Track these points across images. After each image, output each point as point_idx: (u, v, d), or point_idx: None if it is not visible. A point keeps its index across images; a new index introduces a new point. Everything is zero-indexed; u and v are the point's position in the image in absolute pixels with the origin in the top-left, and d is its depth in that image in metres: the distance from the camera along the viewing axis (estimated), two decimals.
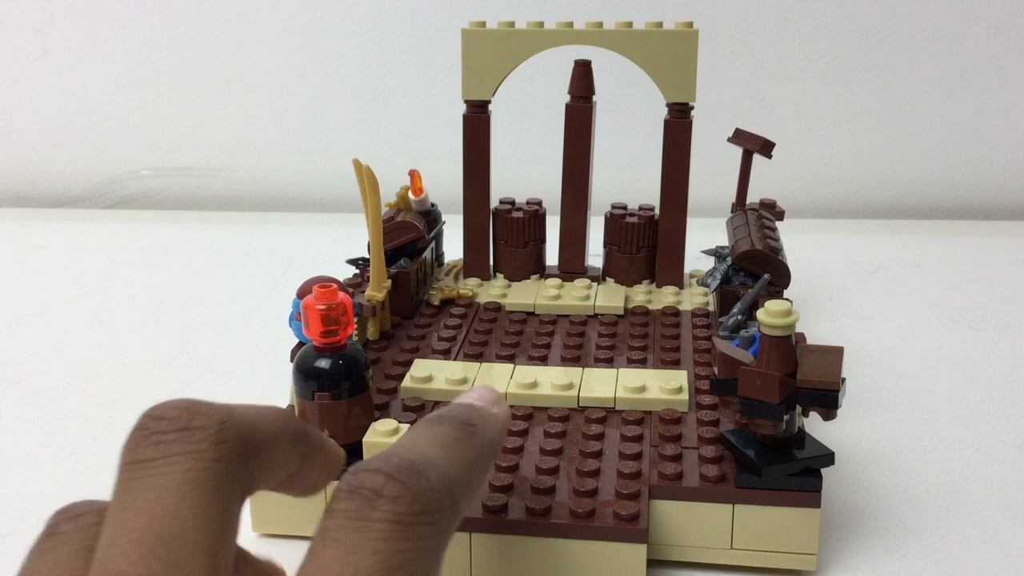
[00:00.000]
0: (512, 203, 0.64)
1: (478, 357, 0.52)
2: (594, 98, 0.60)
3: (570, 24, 0.58)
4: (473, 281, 0.62)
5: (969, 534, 0.44)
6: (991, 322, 0.69)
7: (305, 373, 0.41)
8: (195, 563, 0.25)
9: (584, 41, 0.58)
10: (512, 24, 0.59)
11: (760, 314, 0.38)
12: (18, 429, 0.52)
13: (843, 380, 0.39)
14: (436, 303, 0.59)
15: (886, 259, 0.81)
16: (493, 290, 0.61)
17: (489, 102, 0.61)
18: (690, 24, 0.58)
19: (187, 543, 0.25)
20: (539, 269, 0.63)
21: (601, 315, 0.57)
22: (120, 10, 0.93)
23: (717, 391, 0.41)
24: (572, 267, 0.63)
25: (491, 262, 0.64)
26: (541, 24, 0.59)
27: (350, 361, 0.42)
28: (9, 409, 0.55)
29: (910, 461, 0.50)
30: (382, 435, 0.41)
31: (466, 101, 0.61)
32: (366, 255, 0.57)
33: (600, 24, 0.58)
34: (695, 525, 0.40)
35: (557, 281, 0.61)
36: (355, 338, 0.50)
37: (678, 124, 0.59)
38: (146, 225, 0.91)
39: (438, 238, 0.64)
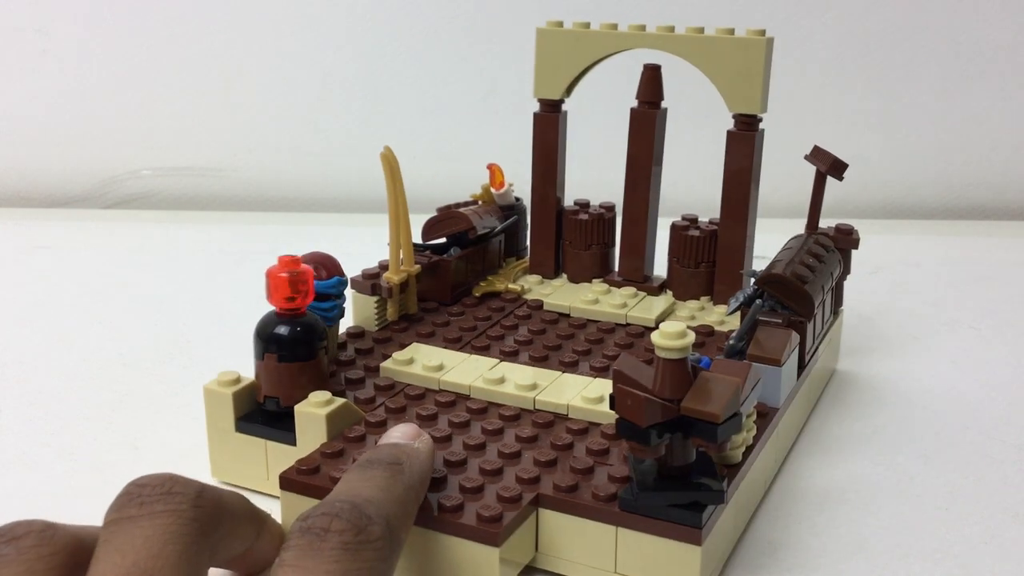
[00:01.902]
0: (585, 205, 0.63)
1: (485, 350, 0.52)
2: (663, 104, 0.59)
3: (642, 27, 0.57)
4: (534, 279, 0.63)
5: (969, 534, 0.44)
6: (991, 322, 0.69)
7: (263, 337, 0.45)
8: None
9: (653, 45, 0.57)
10: (587, 25, 0.59)
11: (654, 336, 0.36)
12: (18, 429, 0.52)
13: (735, 416, 0.36)
14: (477, 295, 0.60)
15: (886, 259, 0.81)
16: (545, 289, 0.61)
17: (561, 101, 0.61)
18: (762, 32, 0.55)
19: None
20: (603, 273, 0.63)
21: (630, 325, 0.56)
22: (120, 10, 0.93)
23: (612, 406, 0.38)
24: (632, 275, 0.61)
25: (558, 262, 0.64)
26: (614, 26, 0.58)
27: (307, 329, 0.45)
28: (9, 409, 0.55)
29: (910, 461, 0.50)
30: (314, 405, 0.43)
31: (538, 100, 0.61)
32: (423, 242, 0.60)
33: (671, 29, 0.56)
34: (583, 542, 0.39)
35: (604, 287, 0.60)
36: (376, 319, 0.55)
37: (741, 136, 0.56)
38: (146, 225, 0.91)
39: (513, 232, 0.64)
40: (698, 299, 0.60)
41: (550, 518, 0.39)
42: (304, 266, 0.45)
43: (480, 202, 0.63)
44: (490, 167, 0.62)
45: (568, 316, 0.58)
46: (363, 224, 0.90)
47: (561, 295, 0.60)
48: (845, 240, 0.57)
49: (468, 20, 0.93)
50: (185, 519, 0.32)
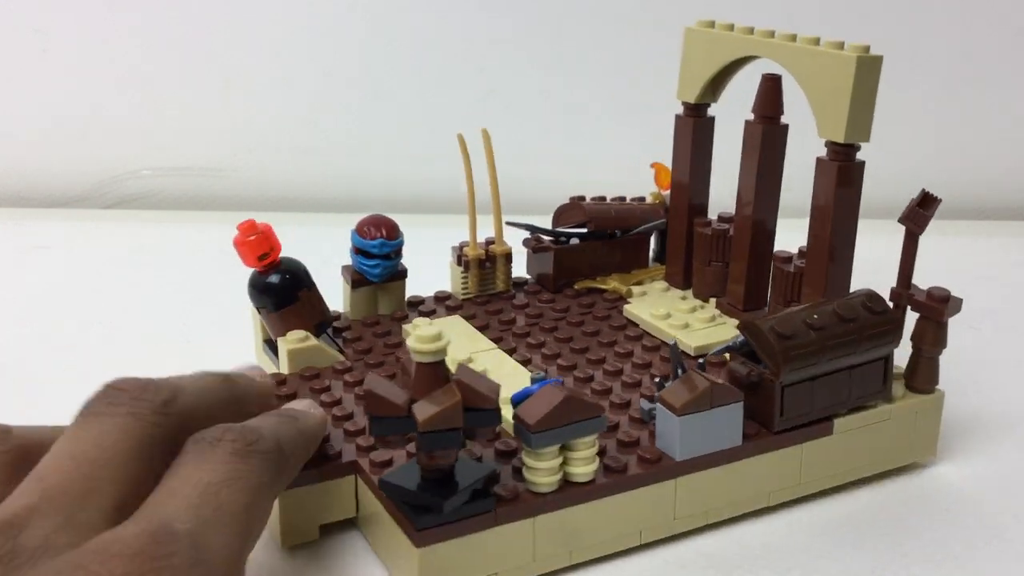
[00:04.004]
0: (728, 219, 0.59)
1: (498, 341, 0.53)
2: (783, 119, 0.54)
3: (770, 33, 0.52)
4: (659, 286, 0.61)
5: (969, 534, 0.44)
6: (991, 322, 0.69)
7: (251, 297, 0.52)
8: (109, 486, 0.32)
9: (759, 52, 0.52)
10: (731, 27, 0.54)
11: (409, 340, 0.37)
12: None
13: (453, 431, 0.37)
14: (577, 288, 0.60)
15: (886, 259, 0.80)
16: (647, 297, 0.59)
17: (702, 105, 0.57)
18: (866, 49, 0.47)
19: (109, 469, 0.32)
20: (724, 293, 0.58)
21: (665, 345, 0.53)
22: (120, 10, 0.93)
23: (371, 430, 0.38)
24: (734, 302, 0.57)
25: (689, 274, 0.60)
26: (750, 30, 0.53)
27: (282, 278, 0.51)
28: (9, 409, 0.55)
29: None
30: (292, 341, 0.46)
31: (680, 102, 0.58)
32: (532, 224, 0.60)
33: (793, 38, 0.51)
34: (371, 513, 0.42)
35: (695, 303, 0.57)
36: (461, 290, 0.59)
37: (825, 166, 0.50)
38: (146, 225, 0.91)
39: (645, 233, 0.62)
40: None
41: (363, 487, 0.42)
42: (261, 224, 0.51)
43: (654, 202, 0.62)
44: (655, 166, 0.60)
45: (630, 326, 0.55)
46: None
47: (646, 304, 0.57)
48: (929, 309, 0.48)
49: (468, 20, 0.93)
50: (146, 423, 0.34)
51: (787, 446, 0.45)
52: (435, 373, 0.37)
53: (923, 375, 0.49)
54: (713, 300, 0.58)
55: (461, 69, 0.95)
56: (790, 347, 0.43)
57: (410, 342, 0.37)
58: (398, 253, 0.56)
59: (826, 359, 0.44)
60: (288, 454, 0.37)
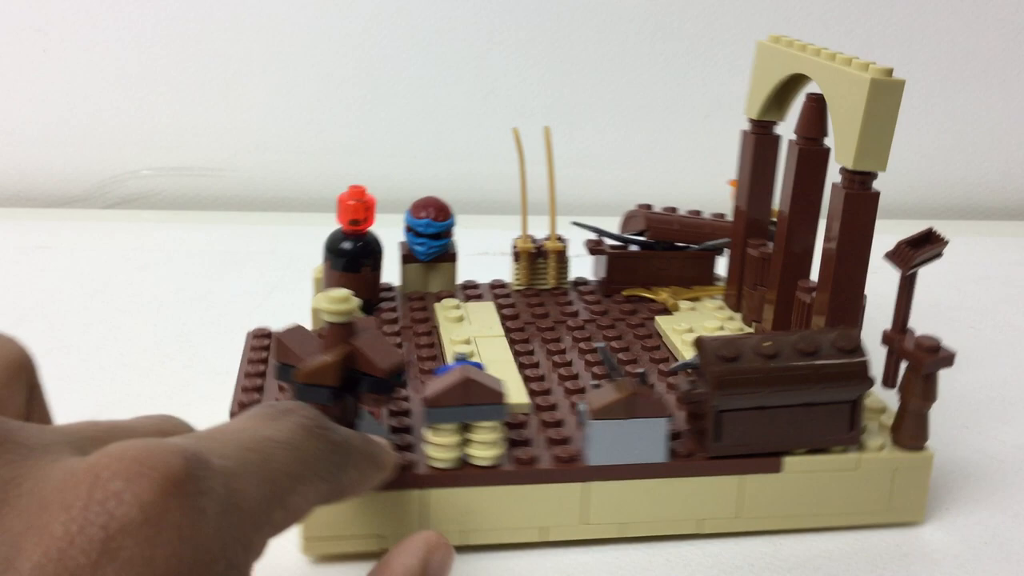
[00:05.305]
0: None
1: (518, 331, 0.54)
2: (826, 140, 0.50)
3: (817, 51, 0.49)
4: (713, 304, 0.58)
5: (969, 534, 0.44)
6: (991, 322, 0.69)
7: (326, 248, 0.56)
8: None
9: (811, 72, 0.49)
10: (791, 43, 0.51)
11: (321, 300, 0.39)
12: None
13: (313, 387, 0.39)
14: (625, 295, 0.59)
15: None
16: (690, 314, 0.57)
17: (766, 122, 0.55)
18: (888, 72, 0.43)
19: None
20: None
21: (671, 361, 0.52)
22: (120, 10, 0.93)
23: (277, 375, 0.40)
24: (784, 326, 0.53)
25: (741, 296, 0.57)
26: (803, 47, 0.50)
27: (357, 248, 0.55)
28: None
29: None
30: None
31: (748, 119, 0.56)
32: (598, 227, 0.61)
33: (833, 56, 0.47)
34: None
35: (737, 326, 0.54)
36: (515, 281, 0.61)
37: (836, 192, 0.46)
38: (146, 225, 0.91)
39: (709, 250, 0.60)
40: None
41: None
42: (368, 196, 0.54)
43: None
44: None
45: (655, 337, 0.54)
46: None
47: (681, 319, 0.56)
48: (913, 358, 0.44)
49: (468, 20, 0.93)
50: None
51: (720, 474, 0.42)
52: (341, 333, 0.40)
53: (908, 430, 0.44)
54: (755, 325, 0.55)
55: (461, 70, 0.95)
56: (727, 371, 0.41)
57: (321, 302, 0.39)
58: (446, 234, 0.58)
59: (774, 391, 0.41)
60: (354, 462, 0.33)
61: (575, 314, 0.57)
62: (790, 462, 0.43)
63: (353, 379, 0.40)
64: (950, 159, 0.96)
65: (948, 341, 0.66)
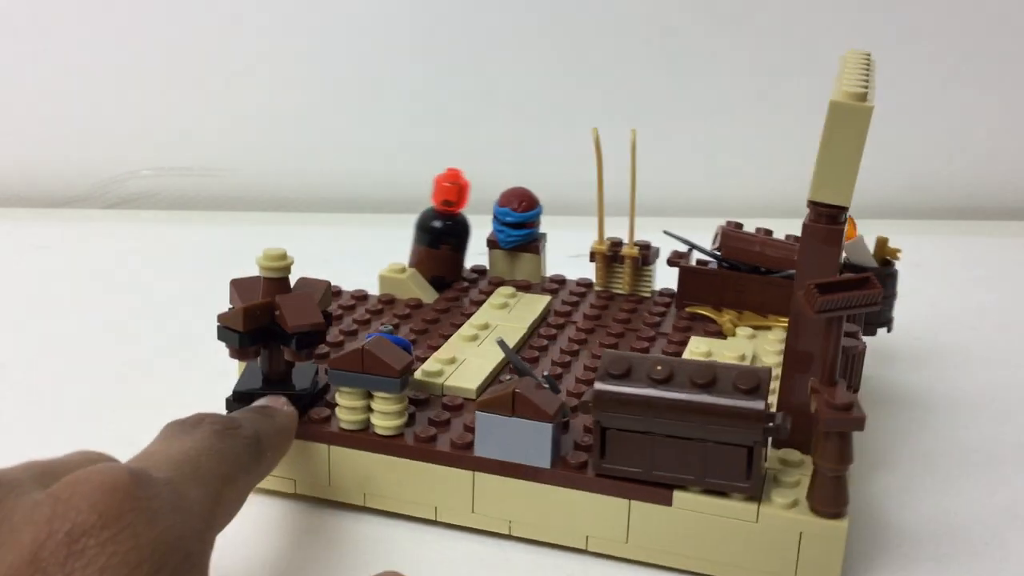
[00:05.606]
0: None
1: (557, 328, 0.55)
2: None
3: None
4: (776, 336, 0.53)
5: (969, 534, 0.44)
6: (991, 322, 0.69)
7: (416, 224, 0.59)
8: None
9: None
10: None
11: (259, 257, 0.43)
12: (18, 429, 0.52)
13: (238, 334, 0.43)
14: (689, 311, 0.56)
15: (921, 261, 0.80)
16: (739, 341, 0.53)
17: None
18: (860, 96, 0.37)
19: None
20: None
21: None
22: (120, 10, 0.93)
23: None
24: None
25: None
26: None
27: (444, 227, 0.59)
28: (9, 409, 0.55)
29: (909, 461, 0.50)
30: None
31: None
32: (690, 240, 0.58)
33: None
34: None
35: (774, 361, 0.50)
36: (596, 280, 0.60)
37: (804, 228, 0.40)
38: (146, 225, 0.91)
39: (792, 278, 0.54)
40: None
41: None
42: (463, 179, 0.58)
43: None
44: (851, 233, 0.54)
45: (674, 356, 0.51)
46: (363, 224, 0.90)
47: (716, 343, 0.52)
48: (819, 412, 0.37)
49: (468, 20, 0.93)
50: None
51: (606, 493, 0.41)
52: (273, 288, 0.43)
53: (820, 495, 0.39)
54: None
55: (461, 69, 0.95)
56: (605, 389, 0.39)
57: (259, 259, 0.43)
58: (529, 225, 0.60)
59: (659, 418, 0.39)
60: (266, 446, 0.39)
61: (625, 320, 0.55)
62: (681, 497, 0.40)
63: (278, 332, 0.43)
64: (950, 159, 0.96)
65: (948, 341, 0.66)
